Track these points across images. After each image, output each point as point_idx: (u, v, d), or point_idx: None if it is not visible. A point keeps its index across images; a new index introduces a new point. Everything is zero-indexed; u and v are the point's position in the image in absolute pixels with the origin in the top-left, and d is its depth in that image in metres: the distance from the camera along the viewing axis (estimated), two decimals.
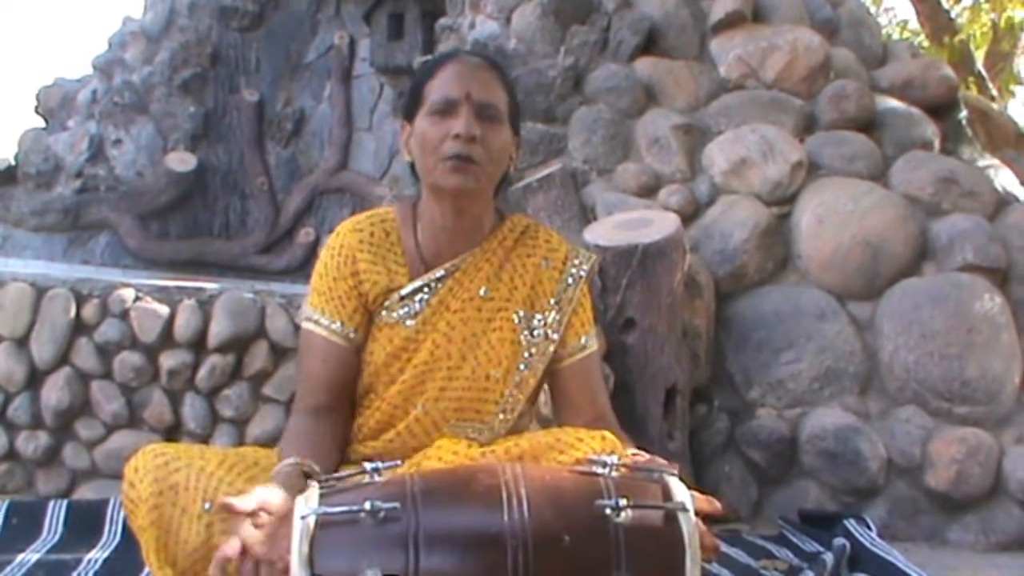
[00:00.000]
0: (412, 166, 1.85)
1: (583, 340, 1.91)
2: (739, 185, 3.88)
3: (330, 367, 1.82)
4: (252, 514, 1.37)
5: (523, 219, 1.96)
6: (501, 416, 1.82)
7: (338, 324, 1.82)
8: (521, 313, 1.85)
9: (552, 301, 1.88)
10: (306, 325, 1.86)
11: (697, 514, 1.36)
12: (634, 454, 1.61)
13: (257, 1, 6.61)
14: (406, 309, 1.82)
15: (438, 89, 1.78)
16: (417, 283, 1.83)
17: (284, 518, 1.38)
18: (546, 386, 1.96)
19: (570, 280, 1.90)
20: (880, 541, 2.82)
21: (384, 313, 1.83)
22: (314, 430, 1.72)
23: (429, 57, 5.23)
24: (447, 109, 1.75)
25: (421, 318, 1.81)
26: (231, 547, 1.33)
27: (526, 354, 1.84)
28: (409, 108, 1.85)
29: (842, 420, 3.36)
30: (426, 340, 1.81)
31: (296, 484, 1.49)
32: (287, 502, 1.41)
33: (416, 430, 1.79)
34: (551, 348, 1.86)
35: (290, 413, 1.90)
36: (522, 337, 1.84)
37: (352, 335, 1.83)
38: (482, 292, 1.83)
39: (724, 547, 2.91)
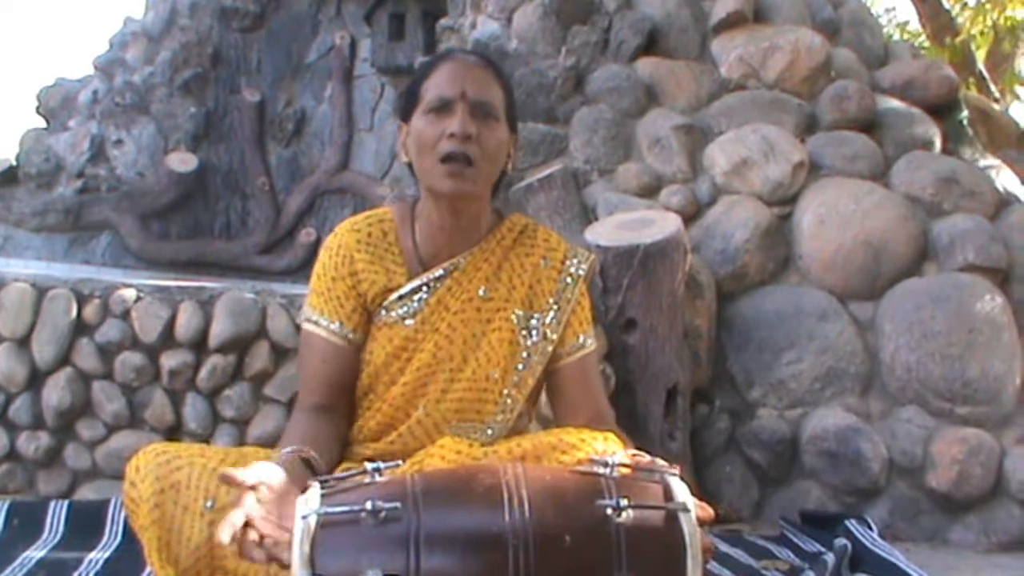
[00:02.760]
0: (410, 166, 1.86)
1: (581, 339, 1.91)
2: (740, 185, 3.87)
3: (330, 367, 1.83)
4: (253, 487, 1.38)
5: (521, 218, 1.96)
6: (500, 416, 1.82)
7: (337, 324, 1.83)
8: (520, 313, 1.85)
9: (551, 301, 1.88)
10: (306, 326, 1.87)
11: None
12: (633, 454, 1.61)
13: (258, 1, 6.61)
14: (405, 309, 1.83)
15: (433, 88, 1.78)
16: (415, 283, 1.83)
17: (283, 495, 1.40)
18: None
19: (568, 279, 1.90)
20: (881, 541, 2.81)
21: (383, 313, 1.83)
22: (314, 427, 1.73)
23: (426, 58, 5.23)
24: (442, 108, 1.76)
25: (420, 318, 1.82)
26: (237, 517, 1.32)
27: (524, 354, 1.84)
28: (406, 109, 1.85)
29: (843, 420, 3.36)
30: (426, 340, 1.81)
31: (294, 469, 1.51)
32: (286, 481, 1.43)
33: (417, 432, 1.80)
34: (549, 348, 1.87)
35: (291, 413, 1.92)
36: (520, 337, 1.84)
37: (351, 335, 1.83)
38: (481, 292, 1.84)
39: (726, 547, 2.91)
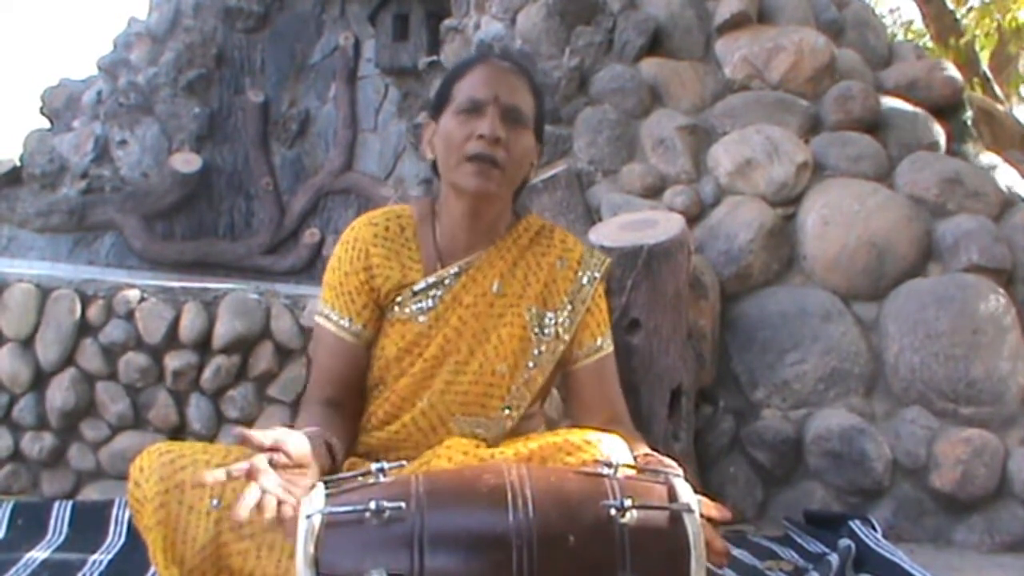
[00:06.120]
0: (434, 164, 1.87)
1: (599, 341, 1.91)
2: (744, 186, 3.87)
3: (338, 362, 1.83)
4: (270, 449, 1.38)
5: (538, 220, 1.97)
6: (507, 412, 1.82)
7: (347, 320, 1.83)
8: (533, 310, 1.85)
9: (565, 300, 1.88)
10: (317, 319, 1.88)
11: (708, 520, 1.37)
12: (645, 455, 1.62)
13: (262, 2, 6.62)
14: (419, 305, 1.83)
15: (466, 89, 1.79)
16: (431, 279, 1.83)
17: (300, 461, 1.41)
18: (555, 389, 1.96)
19: (584, 280, 1.91)
20: (885, 542, 2.81)
21: (396, 308, 1.84)
22: (327, 419, 1.73)
23: (435, 58, 5.24)
24: (474, 110, 1.77)
25: (434, 314, 1.82)
26: (239, 468, 1.32)
27: (535, 351, 1.84)
28: (436, 106, 1.86)
29: (847, 421, 3.36)
30: (438, 335, 1.81)
31: (317, 445, 1.50)
32: (304, 447, 1.43)
33: (422, 423, 1.80)
34: (561, 347, 1.87)
35: (295, 414, 1.92)
36: (532, 334, 1.84)
37: (361, 331, 1.83)
38: (495, 288, 1.84)
39: (729, 548, 2.91)
